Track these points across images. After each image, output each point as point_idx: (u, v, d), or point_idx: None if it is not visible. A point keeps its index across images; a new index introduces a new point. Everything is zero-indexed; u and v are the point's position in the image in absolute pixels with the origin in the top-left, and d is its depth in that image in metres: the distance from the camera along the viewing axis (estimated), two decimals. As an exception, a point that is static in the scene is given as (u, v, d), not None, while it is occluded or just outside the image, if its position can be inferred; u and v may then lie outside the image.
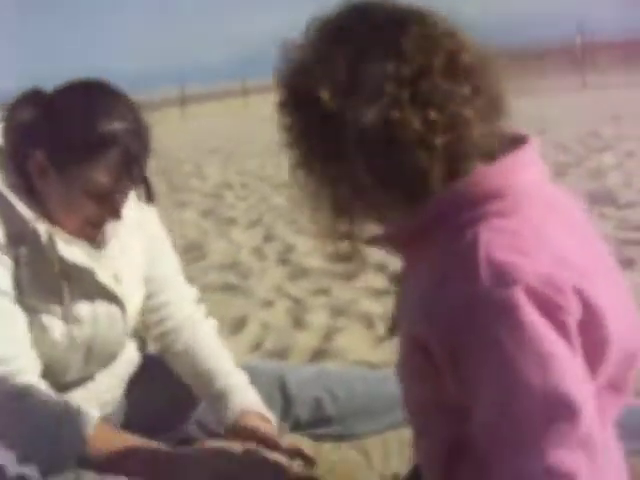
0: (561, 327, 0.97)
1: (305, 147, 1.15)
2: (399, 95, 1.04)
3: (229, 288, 4.14)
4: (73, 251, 1.79)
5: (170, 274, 2.13)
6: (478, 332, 0.98)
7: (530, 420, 0.96)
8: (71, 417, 1.73)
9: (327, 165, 1.12)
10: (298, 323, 3.47)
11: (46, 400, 1.75)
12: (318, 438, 2.25)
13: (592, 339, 1.02)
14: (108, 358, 1.99)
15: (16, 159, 1.76)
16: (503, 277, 0.97)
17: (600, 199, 5.36)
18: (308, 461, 1.87)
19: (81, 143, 1.70)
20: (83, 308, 1.85)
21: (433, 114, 1.03)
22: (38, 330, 1.80)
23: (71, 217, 1.78)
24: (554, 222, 1.08)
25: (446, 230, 1.06)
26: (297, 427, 2.23)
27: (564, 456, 0.95)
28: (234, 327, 3.46)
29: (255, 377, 2.21)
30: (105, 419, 1.88)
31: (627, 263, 3.77)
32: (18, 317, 1.77)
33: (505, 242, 1.01)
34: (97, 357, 1.94)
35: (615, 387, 1.12)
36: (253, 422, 1.92)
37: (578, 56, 19.82)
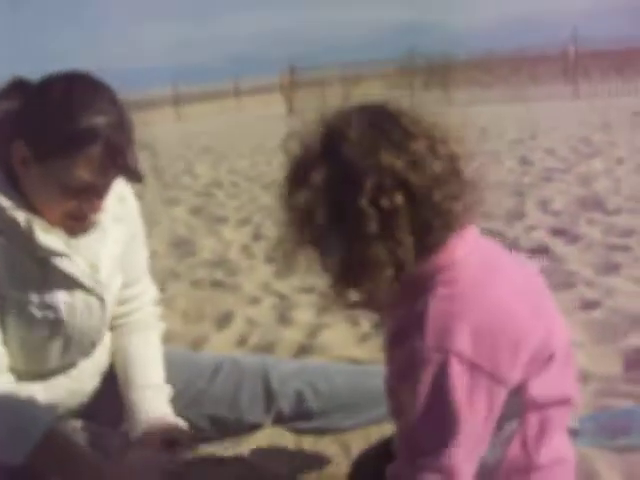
0: (483, 392, 1.21)
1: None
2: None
3: (217, 284, 4.14)
4: (51, 239, 1.78)
5: (141, 271, 2.15)
6: (416, 378, 1.23)
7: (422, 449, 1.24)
8: (22, 423, 1.74)
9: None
10: (284, 319, 3.47)
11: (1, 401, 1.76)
12: (300, 432, 2.27)
13: (542, 370, 1.30)
14: (88, 346, 1.99)
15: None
16: (442, 342, 1.21)
17: (588, 205, 5.39)
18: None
19: (61, 138, 1.68)
20: (60, 297, 1.84)
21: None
22: (15, 319, 1.80)
23: (52, 209, 1.77)
24: (497, 282, 1.30)
25: (412, 295, 1.28)
26: (279, 421, 2.24)
27: None
28: (220, 322, 3.48)
29: (238, 370, 2.23)
30: (60, 424, 1.90)
31: (613, 268, 3.80)
32: None
33: (446, 308, 1.24)
34: (76, 346, 1.94)
35: (563, 401, 1.35)
36: (155, 435, 1.92)
37: (570, 64, 19.88)
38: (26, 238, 1.75)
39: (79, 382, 2.02)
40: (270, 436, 2.27)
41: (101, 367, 2.10)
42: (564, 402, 1.36)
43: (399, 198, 1.22)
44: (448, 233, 1.28)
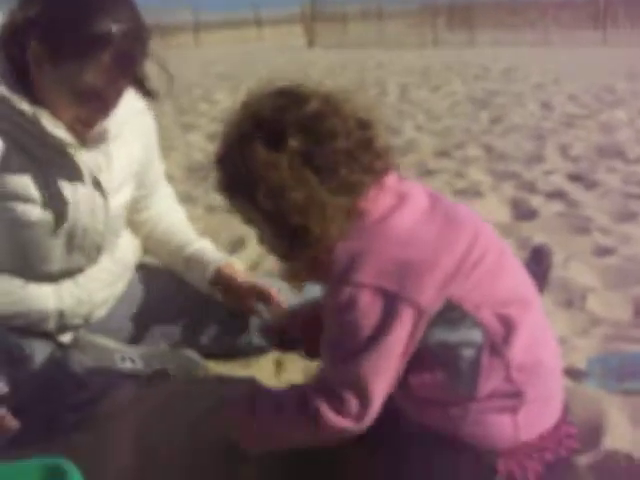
0: (395, 315, 1.31)
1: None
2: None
3: (231, 210, 4.11)
4: (60, 131, 1.80)
5: (158, 179, 2.25)
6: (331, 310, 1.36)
7: (336, 370, 1.37)
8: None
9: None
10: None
11: None
12: (313, 357, 2.28)
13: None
14: (92, 250, 2.01)
15: (13, 49, 1.75)
16: (348, 276, 1.32)
17: (608, 153, 5.32)
18: (266, 299, 2.09)
19: (74, 40, 1.69)
20: (63, 190, 1.86)
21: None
22: (12, 214, 1.82)
23: (62, 112, 1.78)
24: (401, 212, 1.39)
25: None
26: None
27: (334, 416, 1.35)
28: (233, 247, 3.49)
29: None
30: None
31: (631, 216, 3.77)
32: None
33: (352, 245, 1.35)
34: (80, 246, 1.96)
35: (517, 301, 1.42)
36: (229, 271, 2.14)
37: (600, 10, 19.47)
38: (32, 124, 1.76)
39: (86, 290, 2.05)
40: (280, 360, 2.30)
41: (112, 279, 2.12)
42: (519, 302, 1.41)
43: (308, 172, 1.34)
44: (357, 198, 1.37)
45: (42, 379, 1.90)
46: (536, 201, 4.14)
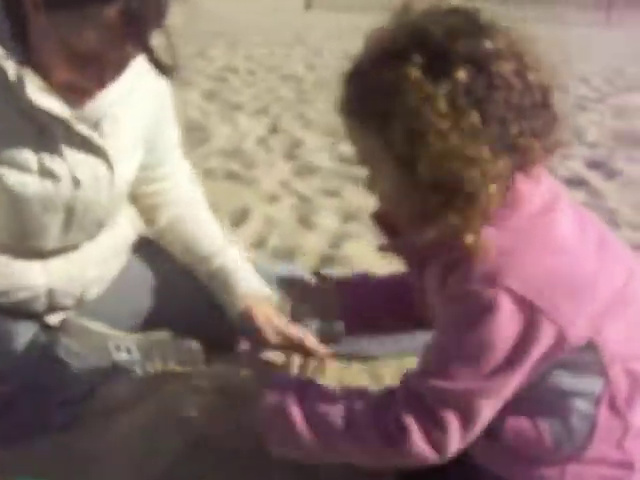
0: (536, 337, 1.06)
1: None
2: None
3: (232, 177, 3.88)
4: (46, 98, 1.54)
5: (171, 148, 1.98)
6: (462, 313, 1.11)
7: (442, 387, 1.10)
8: None
9: None
10: (305, 223, 3.23)
11: None
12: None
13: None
14: (93, 225, 1.77)
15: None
16: (492, 277, 1.07)
17: (626, 140, 5.11)
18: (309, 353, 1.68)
19: None
20: (60, 161, 1.62)
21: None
22: (6, 187, 1.58)
23: (54, 74, 1.52)
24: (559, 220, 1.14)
25: None
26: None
27: (423, 440, 1.10)
28: (237, 219, 3.23)
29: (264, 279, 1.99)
30: None
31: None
32: None
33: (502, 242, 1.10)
34: (80, 223, 1.73)
35: None
36: (263, 312, 1.77)
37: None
38: (15, 91, 1.51)
39: (80, 267, 1.81)
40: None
41: (109, 255, 1.88)
42: None
43: (475, 116, 1.04)
44: (519, 172, 1.11)
45: (22, 368, 1.66)
46: (557, 188, 3.91)
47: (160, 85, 1.85)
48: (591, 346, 1.10)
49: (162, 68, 1.55)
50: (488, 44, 1.06)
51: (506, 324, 1.06)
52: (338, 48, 9.71)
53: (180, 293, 1.93)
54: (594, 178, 4.16)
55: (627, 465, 1.15)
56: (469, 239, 1.07)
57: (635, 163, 4.50)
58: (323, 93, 6.39)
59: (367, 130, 1.11)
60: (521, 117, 1.07)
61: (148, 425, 1.59)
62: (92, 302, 1.88)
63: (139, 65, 1.61)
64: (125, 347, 1.80)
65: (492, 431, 1.15)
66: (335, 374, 1.98)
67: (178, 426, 1.58)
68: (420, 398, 1.11)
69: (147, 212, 1.98)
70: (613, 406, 1.13)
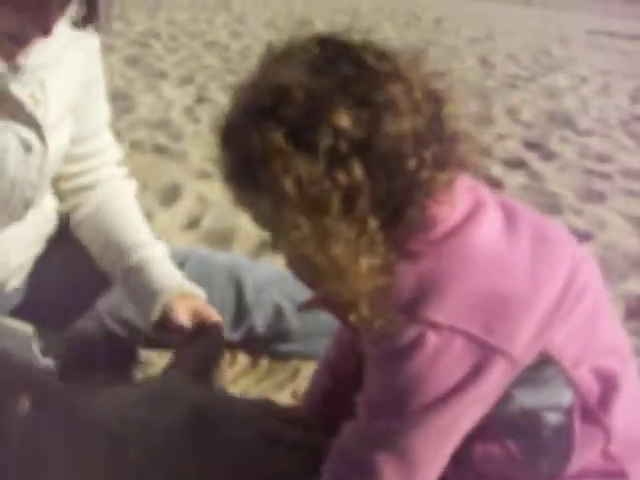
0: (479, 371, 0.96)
1: None
2: None
3: (159, 150, 3.63)
4: None
5: (100, 124, 1.73)
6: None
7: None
8: None
9: None
10: (240, 203, 3.02)
11: None
12: (275, 355, 1.88)
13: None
14: (18, 206, 1.56)
15: None
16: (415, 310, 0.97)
17: (558, 121, 5.08)
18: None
19: None
20: None
21: None
22: None
23: None
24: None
25: None
26: (250, 340, 1.83)
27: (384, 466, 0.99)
28: (166, 197, 3.00)
29: (206, 272, 1.79)
30: None
31: (598, 197, 3.52)
32: None
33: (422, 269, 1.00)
34: (4, 202, 1.51)
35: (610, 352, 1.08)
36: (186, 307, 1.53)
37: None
38: None
39: (3, 253, 1.58)
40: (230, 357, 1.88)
41: (30, 237, 1.65)
42: (618, 353, 1.09)
43: (357, 169, 0.90)
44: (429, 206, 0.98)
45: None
46: (496, 170, 3.82)
47: (91, 48, 1.64)
48: (546, 360, 1.00)
49: (98, 21, 1.35)
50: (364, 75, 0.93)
51: (437, 359, 0.96)
52: (262, 15, 9.47)
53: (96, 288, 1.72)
54: (532, 159, 4.10)
55: (618, 474, 1.05)
56: (359, 311, 0.97)
57: (569, 144, 4.48)
58: (248, 62, 6.16)
59: (246, 197, 1.03)
60: (418, 144, 0.93)
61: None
62: (11, 296, 1.66)
63: (66, 28, 1.40)
64: (51, 348, 1.60)
65: (461, 459, 1.04)
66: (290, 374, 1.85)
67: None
68: (348, 451, 1.03)
69: (67, 197, 1.73)
70: (586, 412, 1.03)
